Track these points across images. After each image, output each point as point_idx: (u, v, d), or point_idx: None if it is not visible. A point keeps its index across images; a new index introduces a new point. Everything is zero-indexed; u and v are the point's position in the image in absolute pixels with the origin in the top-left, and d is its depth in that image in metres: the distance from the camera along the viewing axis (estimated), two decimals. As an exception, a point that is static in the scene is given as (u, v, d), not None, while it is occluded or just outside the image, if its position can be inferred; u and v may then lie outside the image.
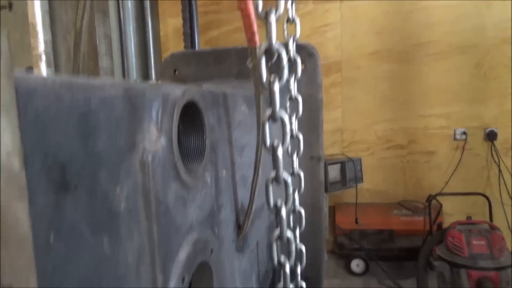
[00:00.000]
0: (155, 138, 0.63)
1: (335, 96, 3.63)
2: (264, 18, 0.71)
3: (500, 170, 3.36)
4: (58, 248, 0.43)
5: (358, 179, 2.81)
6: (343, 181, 2.73)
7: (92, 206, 0.49)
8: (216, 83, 1.61)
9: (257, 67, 0.97)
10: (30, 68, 2.39)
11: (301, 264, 0.87)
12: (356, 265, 3.22)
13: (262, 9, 0.73)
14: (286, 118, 0.71)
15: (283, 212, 0.72)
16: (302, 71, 1.11)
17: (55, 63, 2.52)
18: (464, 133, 3.44)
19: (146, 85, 0.67)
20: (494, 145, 3.39)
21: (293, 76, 1.06)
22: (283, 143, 0.71)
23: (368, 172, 3.36)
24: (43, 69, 2.42)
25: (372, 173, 3.48)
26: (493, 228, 2.62)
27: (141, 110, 0.61)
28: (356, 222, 3.05)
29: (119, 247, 0.54)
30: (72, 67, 1.10)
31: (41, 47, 2.46)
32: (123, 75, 2.95)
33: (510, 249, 2.60)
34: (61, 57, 2.55)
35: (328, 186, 2.62)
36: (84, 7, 1.01)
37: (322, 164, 1.63)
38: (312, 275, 1.44)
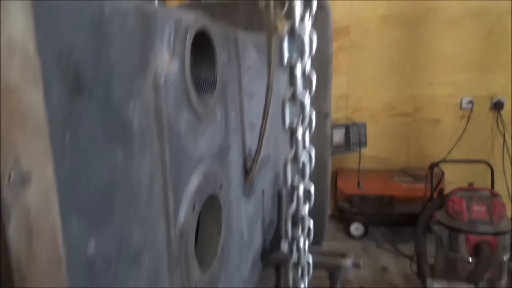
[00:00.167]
0: (168, 61, 0.62)
1: (342, 61, 3.57)
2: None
3: (504, 140, 3.35)
4: (74, 149, 0.43)
5: (362, 143, 2.80)
6: (347, 145, 2.72)
7: (106, 115, 0.49)
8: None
9: (268, 7, 0.94)
10: None
11: (309, 203, 0.87)
12: (356, 228, 3.27)
13: None
14: (307, 99, 0.68)
15: (301, 189, 0.71)
16: (312, 24, 1.08)
17: None
18: (471, 102, 3.40)
19: (158, 8, 0.65)
20: (500, 114, 3.37)
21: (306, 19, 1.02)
22: (302, 124, 0.67)
23: (371, 139, 3.35)
24: None
25: (376, 140, 3.47)
26: (494, 194, 2.64)
27: (153, 31, 0.59)
28: (358, 186, 3.07)
29: (132, 163, 0.53)
30: None
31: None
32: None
33: (510, 217, 2.62)
34: None
35: (332, 150, 2.62)
36: None
37: (329, 120, 1.62)
38: (315, 229, 1.45)
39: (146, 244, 0.57)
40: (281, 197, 1.24)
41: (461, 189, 2.73)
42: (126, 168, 0.52)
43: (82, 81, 0.45)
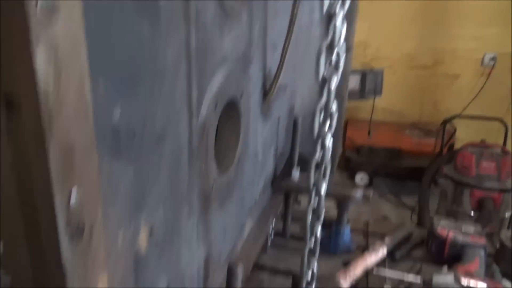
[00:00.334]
0: None
1: (363, 7, 3.38)
2: None
3: (522, 101, 3.26)
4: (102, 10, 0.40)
5: (377, 91, 2.73)
6: (362, 92, 2.66)
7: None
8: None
9: None
10: None
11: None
12: (360, 178, 3.28)
13: None
14: (343, 51, 0.62)
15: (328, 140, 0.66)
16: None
17: None
18: (493, 58, 3.27)
19: None
20: (522, 74, 3.25)
21: None
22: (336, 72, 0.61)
23: (386, 91, 3.27)
24: None
25: (390, 92, 3.39)
26: (505, 152, 2.61)
27: None
28: (369, 134, 3.03)
29: (158, 40, 0.50)
30: None
31: None
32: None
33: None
34: None
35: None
36: None
37: (350, 55, 1.57)
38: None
39: (168, 129, 0.55)
40: (297, 125, 1.22)
41: (472, 145, 2.69)
42: (152, 43, 0.49)
43: None
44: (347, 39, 0.59)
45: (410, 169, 3.26)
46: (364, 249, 1.26)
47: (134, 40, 0.47)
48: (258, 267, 1.21)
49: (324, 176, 0.62)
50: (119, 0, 0.43)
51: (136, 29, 0.47)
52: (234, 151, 0.81)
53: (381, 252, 1.22)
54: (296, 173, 1.27)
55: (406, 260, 1.25)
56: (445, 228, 1.23)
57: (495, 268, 1.23)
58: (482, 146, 2.68)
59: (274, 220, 1.26)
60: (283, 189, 1.28)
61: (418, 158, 3.26)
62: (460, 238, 1.19)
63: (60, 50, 0.34)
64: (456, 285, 1.02)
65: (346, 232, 1.29)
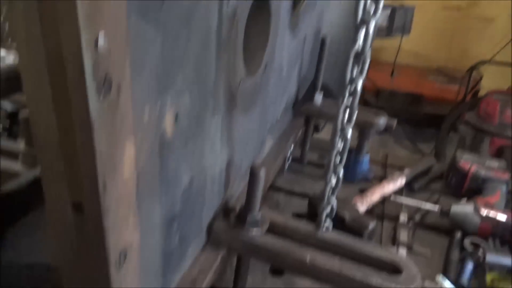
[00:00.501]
0: None
1: None
2: None
3: (558, 50, 3.07)
4: None
5: (406, 29, 2.58)
6: (389, 29, 2.51)
7: None
8: None
9: None
10: None
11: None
12: (377, 122, 3.23)
13: None
14: None
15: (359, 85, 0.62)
16: None
17: None
18: (534, 2, 3.04)
19: None
20: (562, 21, 3.03)
21: None
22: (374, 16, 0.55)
23: (413, 33, 3.10)
24: None
25: (418, 34, 3.20)
26: (532, 102, 2.50)
27: None
28: (392, 75, 2.92)
29: None
30: None
31: None
32: None
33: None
34: None
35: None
36: None
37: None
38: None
39: (198, 7, 0.51)
40: (324, 44, 1.16)
41: (498, 92, 2.58)
42: None
43: None
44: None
45: (430, 116, 3.19)
46: (382, 179, 1.24)
47: None
48: (274, 188, 1.22)
49: (349, 120, 0.60)
50: None
51: None
52: (261, 55, 0.77)
53: (400, 182, 1.20)
54: (319, 97, 1.23)
55: (424, 192, 1.23)
56: (468, 161, 1.20)
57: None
58: (508, 94, 2.58)
59: (293, 144, 1.24)
60: (304, 113, 1.25)
61: (440, 105, 3.17)
62: (483, 172, 1.16)
63: None
64: (476, 214, 1.01)
65: (365, 160, 1.26)
